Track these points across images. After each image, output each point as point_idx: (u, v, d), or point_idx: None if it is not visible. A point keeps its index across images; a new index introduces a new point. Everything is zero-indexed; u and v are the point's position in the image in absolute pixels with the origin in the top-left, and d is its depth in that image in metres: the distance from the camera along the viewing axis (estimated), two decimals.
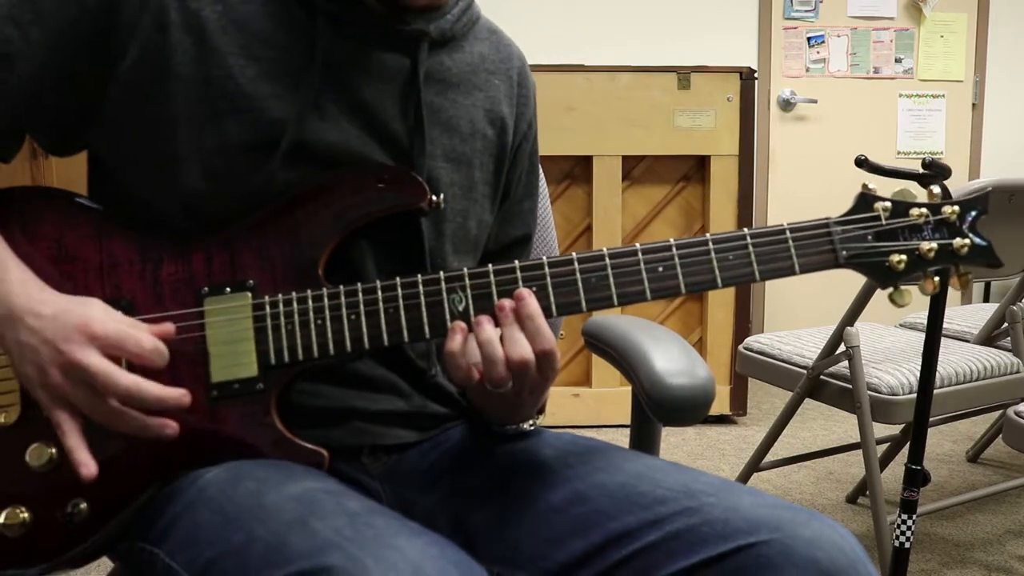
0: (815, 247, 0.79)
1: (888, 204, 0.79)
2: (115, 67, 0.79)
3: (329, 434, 0.83)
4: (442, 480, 0.86)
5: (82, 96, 0.81)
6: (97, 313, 0.73)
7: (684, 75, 2.90)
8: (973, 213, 0.80)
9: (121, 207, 0.82)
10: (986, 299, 3.97)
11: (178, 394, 0.74)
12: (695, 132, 2.93)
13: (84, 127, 0.83)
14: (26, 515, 0.76)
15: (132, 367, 0.74)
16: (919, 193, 0.82)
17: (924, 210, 0.79)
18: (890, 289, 0.80)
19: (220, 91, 0.79)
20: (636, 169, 3.00)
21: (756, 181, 3.48)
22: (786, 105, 3.84)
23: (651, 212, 3.04)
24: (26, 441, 0.76)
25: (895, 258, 0.79)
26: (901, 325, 2.37)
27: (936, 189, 0.81)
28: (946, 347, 1.98)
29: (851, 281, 1.85)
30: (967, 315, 2.41)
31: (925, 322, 1.60)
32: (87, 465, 0.72)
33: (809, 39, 3.83)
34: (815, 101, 3.81)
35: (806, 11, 3.81)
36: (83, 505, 0.76)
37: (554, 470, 0.81)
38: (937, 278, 0.80)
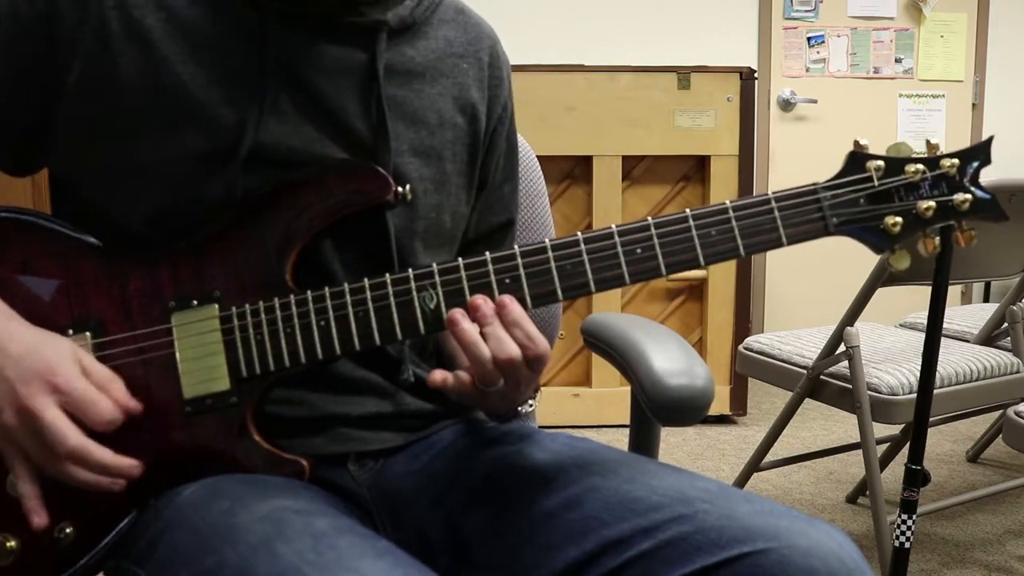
0: (803, 215, 0.75)
1: (881, 163, 0.74)
2: (61, 84, 0.77)
3: (312, 443, 0.82)
4: (434, 484, 0.84)
5: (31, 116, 0.79)
6: (65, 361, 0.70)
7: (684, 75, 2.90)
8: (975, 164, 0.74)
9: (85, 224, 0.80)
10: (986, 299, 3.97)
11: (127, 465, 0.72)
12: (695, 132, 2.93)
13: (38, 148, 0.81)
14: (14, 543, 0.75)
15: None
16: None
17: (920, 166, 0.74)
18: (886, 253, 0.75)
19: (172, 100, 0.77)
20: (636, 169, 3.00)
21: (756, 181, 3.47)
22: (786, 105, 3.83)
23: (651, 212, 3.03)
24: (5, 470, 0.74)
25: (890, 220, 0.73)
26: (901, 325, 2.37)
27: (934, 140, 0.75)
28: (946, 347, 1.97)
29: (851, 281, 1.85)
30: (967, 315, 2.40)
31: (925, 322, 1.60)
32: (38, 514, 0.71)
33: (809, 39, 3.83)
34: (815, 101, 3.81)
35: (806, 11, 3.81)
36: (69, 529, 0.75)
37: (548, 474, 0.79)
38: (938, 238, 0.75)
